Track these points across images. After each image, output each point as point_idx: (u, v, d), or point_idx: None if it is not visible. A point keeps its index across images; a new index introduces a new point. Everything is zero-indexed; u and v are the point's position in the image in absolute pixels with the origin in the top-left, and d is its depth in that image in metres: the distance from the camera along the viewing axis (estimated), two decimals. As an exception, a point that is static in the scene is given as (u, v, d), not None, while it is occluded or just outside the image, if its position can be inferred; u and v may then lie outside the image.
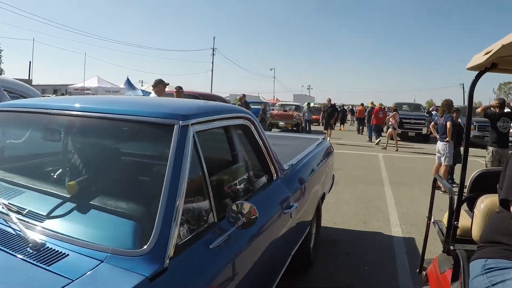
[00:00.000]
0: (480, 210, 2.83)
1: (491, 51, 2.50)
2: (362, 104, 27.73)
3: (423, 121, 21.81)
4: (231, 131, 2.87)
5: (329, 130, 19.32)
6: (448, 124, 8.72)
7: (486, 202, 2.81)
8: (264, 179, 3.13)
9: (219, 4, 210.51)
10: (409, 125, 21.76)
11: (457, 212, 3.02)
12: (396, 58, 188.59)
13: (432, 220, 4.03)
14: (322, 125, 29.28)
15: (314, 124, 34.84)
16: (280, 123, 24.43)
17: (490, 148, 8.41)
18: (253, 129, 3.01)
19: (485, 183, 3.22)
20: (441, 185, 9.06)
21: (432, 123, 9.69)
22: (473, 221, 2.96)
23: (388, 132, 18.06)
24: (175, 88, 9.50)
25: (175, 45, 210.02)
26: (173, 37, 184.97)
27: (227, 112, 2.77)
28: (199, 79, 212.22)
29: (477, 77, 3.01)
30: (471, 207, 3.18)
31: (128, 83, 31.04)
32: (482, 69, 2.97)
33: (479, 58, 2.81)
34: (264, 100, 49.05)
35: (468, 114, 3.07)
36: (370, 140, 20.77)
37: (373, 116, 20.23)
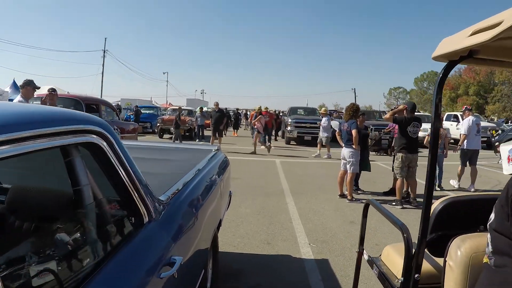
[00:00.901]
0: (457, 260, 2.00)
1: (499, 23, 1.51)
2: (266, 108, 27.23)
3: (317, 125, 21.65)
4: (71, 154, 1.58)
5: (218, 137, 17.92)
6: (354, 132, 8.06)
7: (465, 248, 1.99)
8: (128, 225, 1.91)
9: (112, 3, 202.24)
10: (305, 129, 21.46)
11: (419, 259, 2.15)
12: (289, 63, 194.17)
13: (367, 257, 3.05)
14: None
15: (207, 129, 33.90)
16: (172, 129, 22.97)
17: (399, 154, 7.88)
18: (107, 149, 1.73)
19: (456, 217, 2.42)
20: (346, 193, 8.45)
21: (337, 130, 8.99)
22: (445, 274, 2.08)
23: (254, 136, 17.87)
24: (47, 90, 7.87)
25: (67, 46, 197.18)
26: (64, 38, 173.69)
27: (62, 123, 1.47)
28: (89, 82, 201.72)
29: (448, 69, 2.09)
30: (436, 252, 2.37)
31: (15, 86, 27.86)
32: (455, 59, 2.03)
33: (456, 42, 1.87)
34: (157, 105, 47.24)
35: (435, 112, 2.13)
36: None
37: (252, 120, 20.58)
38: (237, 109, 37.67)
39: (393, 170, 9.00)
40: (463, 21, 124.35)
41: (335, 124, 25.86)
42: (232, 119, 30.24)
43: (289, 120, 22.24)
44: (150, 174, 3.04)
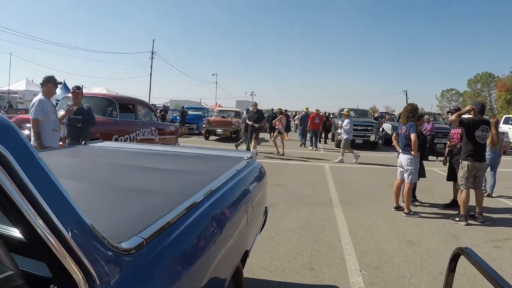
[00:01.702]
0: None
1: None
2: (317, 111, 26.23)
3: (370, 128, 20.57)
4: None
5: (253, 141, 15.53)
6: (413, 136, 7.11)
7: None
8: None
9: (159, 6, 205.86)
10: (356, 132, 20.35)
11: None
12: (340, 65, 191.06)
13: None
14: (267, 131, 27.58)
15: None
16: (218, 130, 22.52)
17: (465, 162, 6.89)
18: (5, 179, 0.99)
19: None
20: (403, 205, 7.53)
21: (394, 134, 8.03)
22: None
23: (274, 136, 17.43)
24: (72, 89, 7.40)
25: (113, 47, 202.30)
26: (111, 39, 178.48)
27: None
28: (139, 83, 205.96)
29: None
30: None
31: (65, 87, 28.49)
32: None
33: None
34: (206, 106, 47.17)
35: None
36: (301, 145, 21.40)
37: (309, 122, 20.53)
38: (285, 110, 35.27)
39: (450, 179, 8.06)
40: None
41: (387, 127, 24.63)
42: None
43: (340, 122, 21.22)
44: (142, 194, 2.31)
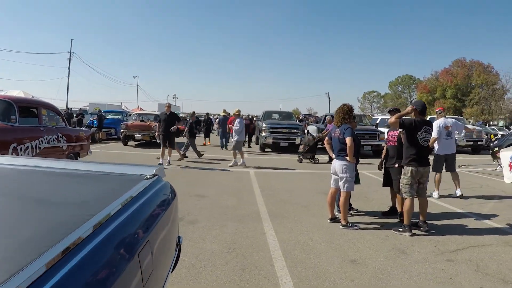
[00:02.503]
0: None
1: None
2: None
3: (295, 130, 19.96)
4: None
5: (169, 148, 13.68)
6: (348, 140, 6.36)
7: None
8: None
9: (78, 3, 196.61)
10: (281, 135, 19.74)
11: None
12: (261, 67, 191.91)
13: None
14: (184, 136, 26.24)
15: (182, 135, 31.88)
16: (137, 135, 21.00)
17: (408, 168, 6.24)
18: None
19: None
20: (338, 216, 6.78)
21: (326, 138, 7.22)
22: None
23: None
24: None
25: (28, 47, 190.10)
26: (24, 38, 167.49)
27: None
28: (56, 86, 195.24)
29: None
30: None
31: None
32: None
33: None
34: (127, 110, 45.07)
35: None
36: (222, 148, 21.57)
37: (229, 125, 19.93)
38: (207, 114, 33.78)
39: (387, 185, 7.45)
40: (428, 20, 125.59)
41: (312, 129, 24.27)
42: (202, 126, 27.31)
43: (264, 125, 20.51)
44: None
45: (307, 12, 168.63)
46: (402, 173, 6.38)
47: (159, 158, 13.55)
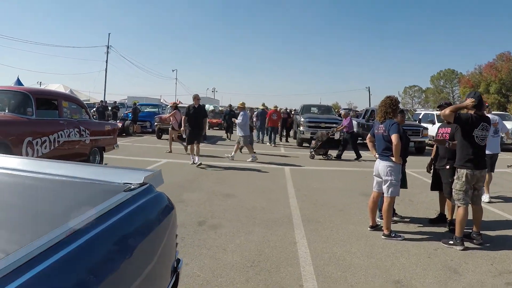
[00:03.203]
0: None
1: None
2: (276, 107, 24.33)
3: (335, 125, 19.01)
4: None
5: (196, 145, 12.05)
6: (394, 138, 5.54)
7: None
8: None
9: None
10: (319, 130, 18.84)
11: None
12: (302, 61, 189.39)
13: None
14: (224, 129, 25.57)
15: (214, 128, 31.45)
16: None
17: (463, 171, 5.38)
18: None
19: None
20: (380, 223, 6.02)
21: (369, 135, 6.39)
22: None
23: (169, 133, 16.00)
24: None
25: (66, 41, 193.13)
26: (62, 32, 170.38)
27: None
28: (94, 80, 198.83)
29: None
30: None
31: (19, 83, 26.18)
32: None
33: None
34: (165, 103, 44.95)
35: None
36: (262, 141, 21.21)
37: (267, 118, 20.26)
38: (230, 106, 27.26)
39: (435, 189, 6.65)
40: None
41: (354, 124, 23.27)
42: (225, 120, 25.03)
43: (302, 119, 19.70)
44: None
45: (346, 2, 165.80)
46: (455, 177, 5.54)
47: (188, 152, 13.00)
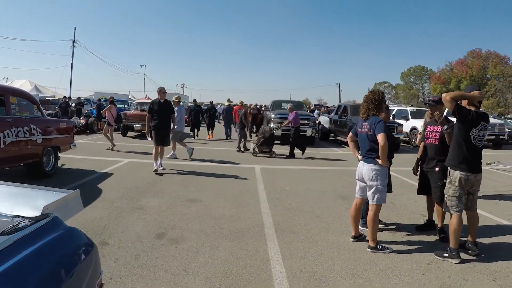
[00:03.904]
0: None
1: None
2: (241, 102, 23.49)
3: (307, 122, 18.31)
4: None
5: (157, 147, 10.26)
6: (381, 137, 4.83)
7: None
8: None
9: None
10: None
11: None
12: (270, 57, 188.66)
13: None
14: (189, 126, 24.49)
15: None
16: (136, 125, 19.57)
17: (456, 174, 4.73)
18: None
19: None
20: (363, 233, 5.35)
21: (350, 134, 5.63)
22: None
23: (104, 129, 15.20)
24: None
25: (31, 35, 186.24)
26: (27, 25, 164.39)
27: None
28: (58, 75, 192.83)
29: None
30: None
31: None
32: None
33: None
34: (133, 99, 43.52)
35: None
36: (229, 137, 20.57)
37: (233, 115, 20.74)
38: (211, 102, 25.88)
39: (422, 193, 6.04)
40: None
41: (324, 120, 22.67)
42: (205, 116, 23.81)
43: (272, 115, 18.98)
44: None
45: (318, 3, 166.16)
46: (448, 181, 4.88)
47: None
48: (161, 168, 10.04)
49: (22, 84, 38.43)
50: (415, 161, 6.25)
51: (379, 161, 4.90)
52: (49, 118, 9.83)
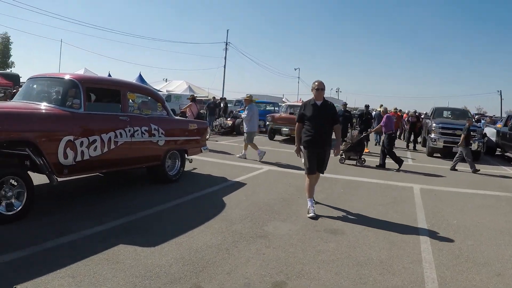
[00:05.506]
0: None
1: None
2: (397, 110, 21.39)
3: (473, 133, 15.35)
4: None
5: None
6: None
7: None
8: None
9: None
10: (454, 138, 15.65)
11: None
12: (430, 62, 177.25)
13: None
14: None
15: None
16: (284, 129, 18.83)
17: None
18: None
19: None
20: None
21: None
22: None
23: None
24: None
25: (183, 37, 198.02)
26: (181, 29, 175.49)
27: None
28: (212, 76, 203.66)
29: None
30: None
31: (140, 79, 26.74)
32: None
33: None
34: (289, 102, 43.25)
35: None
36: (378, 144, 18.54)
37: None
38: (367, 107, 20.51)
39: None
40: None
41: (490, 132, 19.29)
42: (358, 122, 20.42)
43: (433, 124, 16.63)
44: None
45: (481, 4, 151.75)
46: None
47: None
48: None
49: (179, 84, 40.64)
50: None
51: None
52: (176, 118, 8.98)
